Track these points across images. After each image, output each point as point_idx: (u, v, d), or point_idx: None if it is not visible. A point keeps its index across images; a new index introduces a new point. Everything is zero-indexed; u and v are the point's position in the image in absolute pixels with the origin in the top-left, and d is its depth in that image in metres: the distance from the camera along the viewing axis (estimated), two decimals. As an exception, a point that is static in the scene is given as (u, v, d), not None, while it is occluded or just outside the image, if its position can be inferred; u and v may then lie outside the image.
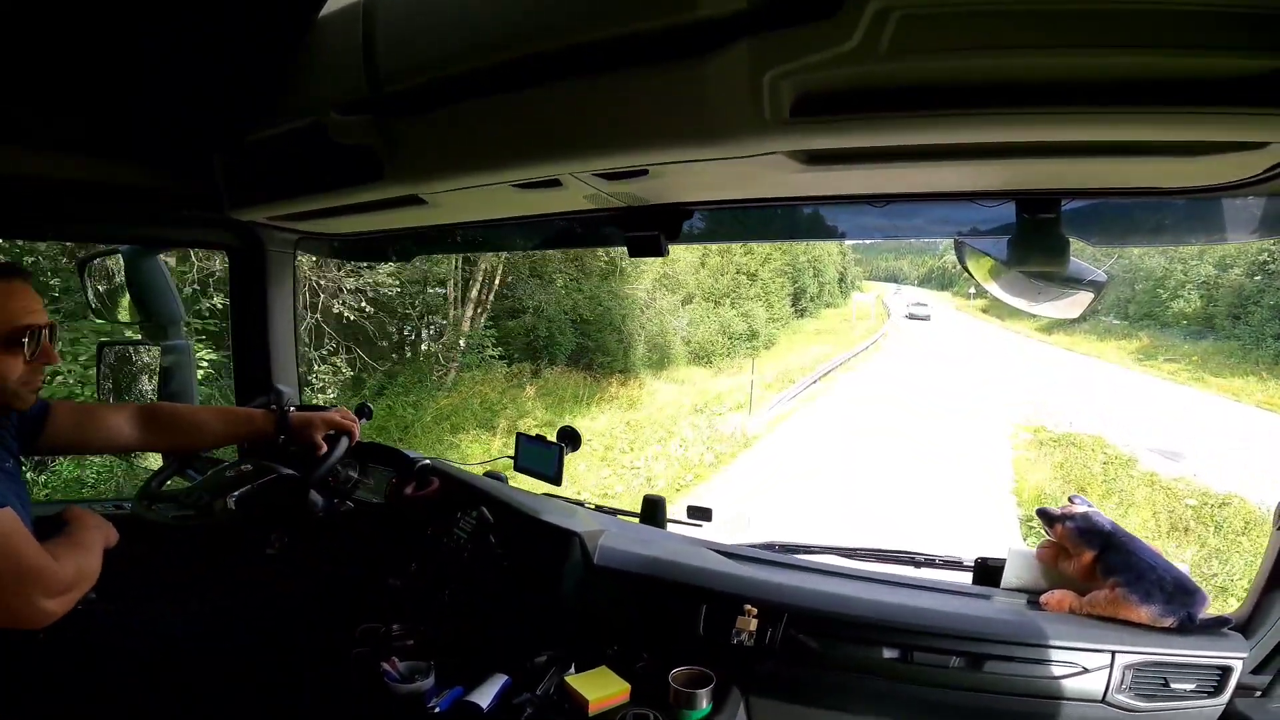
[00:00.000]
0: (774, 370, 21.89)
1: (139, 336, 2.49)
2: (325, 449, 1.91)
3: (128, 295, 2.42)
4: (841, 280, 48.31)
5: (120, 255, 2.40)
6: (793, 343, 29.36)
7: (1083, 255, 1.44)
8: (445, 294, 15.25)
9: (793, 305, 34.12)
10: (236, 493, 1.86)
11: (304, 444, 1.92)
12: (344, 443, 1.92)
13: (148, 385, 2.46)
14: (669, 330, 22.30)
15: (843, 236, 1.93)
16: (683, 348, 23.14)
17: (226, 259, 2.55)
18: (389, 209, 1.75)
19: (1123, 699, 1.40)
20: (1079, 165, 1.22)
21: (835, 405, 17.77)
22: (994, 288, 1.53)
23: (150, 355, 2.43)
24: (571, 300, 18.46)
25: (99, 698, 1.76)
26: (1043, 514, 1.66)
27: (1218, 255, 25.55)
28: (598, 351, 18.91)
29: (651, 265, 20.29)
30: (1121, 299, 30.54)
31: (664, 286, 22.04)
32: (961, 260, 1.58)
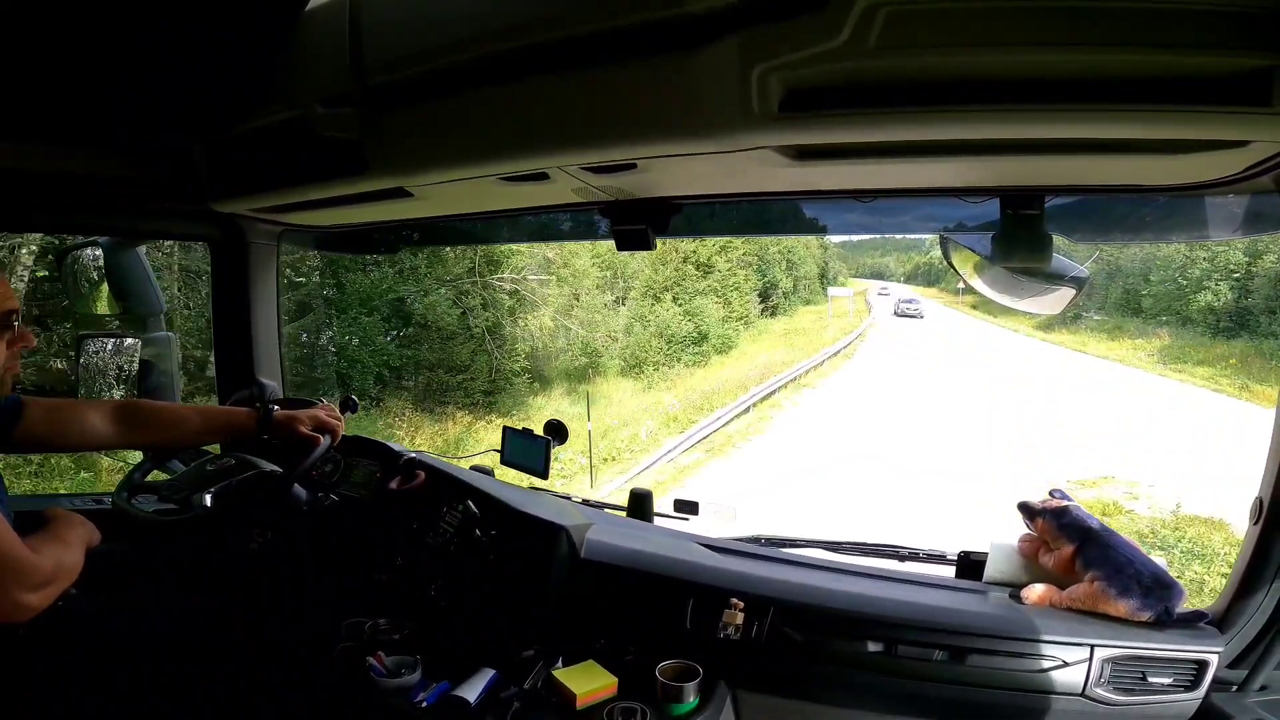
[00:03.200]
0: (706, 387, 17.52)
1: (119, 329, 2.46)
2: (315, 444, 1.88)
3: (107, 287, 2.39)
4: (823, 276, 43.78)
5: (100, 247, 2.37)
6: (755, 346, 24.55)
7: (1075, 253, 1.45)
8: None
9: (761, 302, 30.10)
10: (212, 489, 1.84)
11: (289, 441, 1.90)
12: (325, 442, 1.89)
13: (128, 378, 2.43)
14: (586, 333, 18.46)
15: (830, 232, 1.94)
16: (617, 355, 19.57)
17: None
18: (374, 201, 1.74)
19: (1102, 692, 1.42)
20: (1063, 162, 1.24)
21: (763, 457, 12.34)
22: (978, 283, 1.55)
23: (131, 348, 2.40)
24: (393, 296, 13.64)
25: (80, 694, 1.75)
26: (1023, 507, 1.67)
27: (1247, 241, 21.11)
28: (440, 368, 14.22)
29: (534, 251, 16.44)
30: (1133, 292, 27.41)
31: (553, 275, 17.96)
32: (946, 255, 1.59)
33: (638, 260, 21.37)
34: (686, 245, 22.58)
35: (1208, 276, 23.84)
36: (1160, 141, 1.08)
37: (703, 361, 21.61)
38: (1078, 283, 1.46)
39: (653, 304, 21.91)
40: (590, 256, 20.31)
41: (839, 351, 24.82)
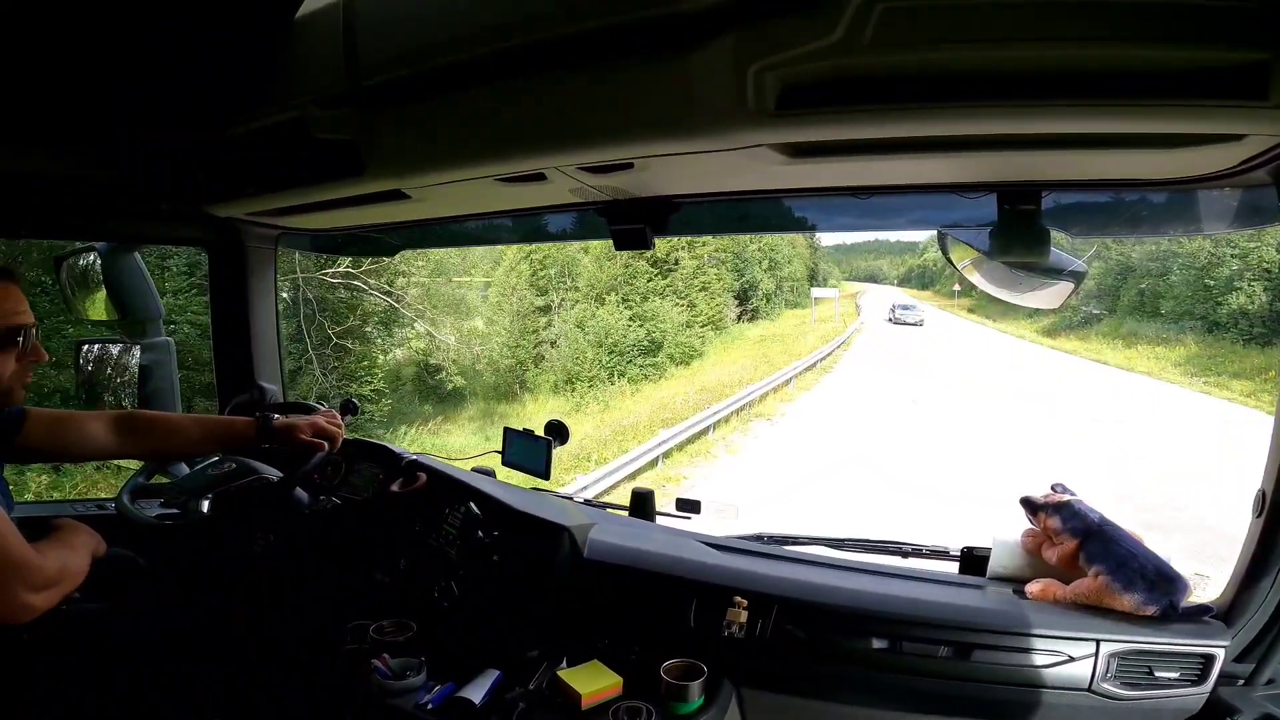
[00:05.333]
0: (627, 420, 13.85)
1: (117, 335, 2.46)
2: (316, 452, 1.88)
3: (105, 292, 2.38)
4: (812, 277, 40.64)
5: (97, 252, 2.36)
6: (725, 355, 20.58)
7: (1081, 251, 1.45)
8: None
9: (739, 304, 27.00)
10: (209, 495, 1.84)
11: (290, 449, 1.90)
12: (323, 452, 1.88)
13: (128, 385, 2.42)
14: (459, 346, 15.02)
15: (827, 229, 1.95)
16: (551, 369, 16.67)
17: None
18: (371, 203, 1.74)
19: (1108, 687, 1.41)
20: (1060, 157, 1.24)
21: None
22: (977, 278, 1.55)
23: (130, 354, 2.40)
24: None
25: (82, 697, 1.75)
26: (1026, 502, 1.67)
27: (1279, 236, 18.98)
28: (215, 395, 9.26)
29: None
30: (1149, 293, 24.18)
31: (408, 273, 14.65)
32: (945, 251, 1.59)
33: (590, 254, 18.22)
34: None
35: (1239, 276, 20.86)
36: (1156, 136, 1.08)
37: (656, 375, 18.17)
38: (1076, 277, 1.46)
39: (595, 306, 18.57)
40: (516, 251, 17.22)
41: (814, 365, 19.87)
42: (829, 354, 21.66)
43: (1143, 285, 24.38)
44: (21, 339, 1.49)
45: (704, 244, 22.76)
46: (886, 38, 0.93)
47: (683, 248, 21.60)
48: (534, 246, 18.47)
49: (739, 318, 27.37)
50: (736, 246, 26.30)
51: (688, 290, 21.98)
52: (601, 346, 17.70)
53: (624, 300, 19.14)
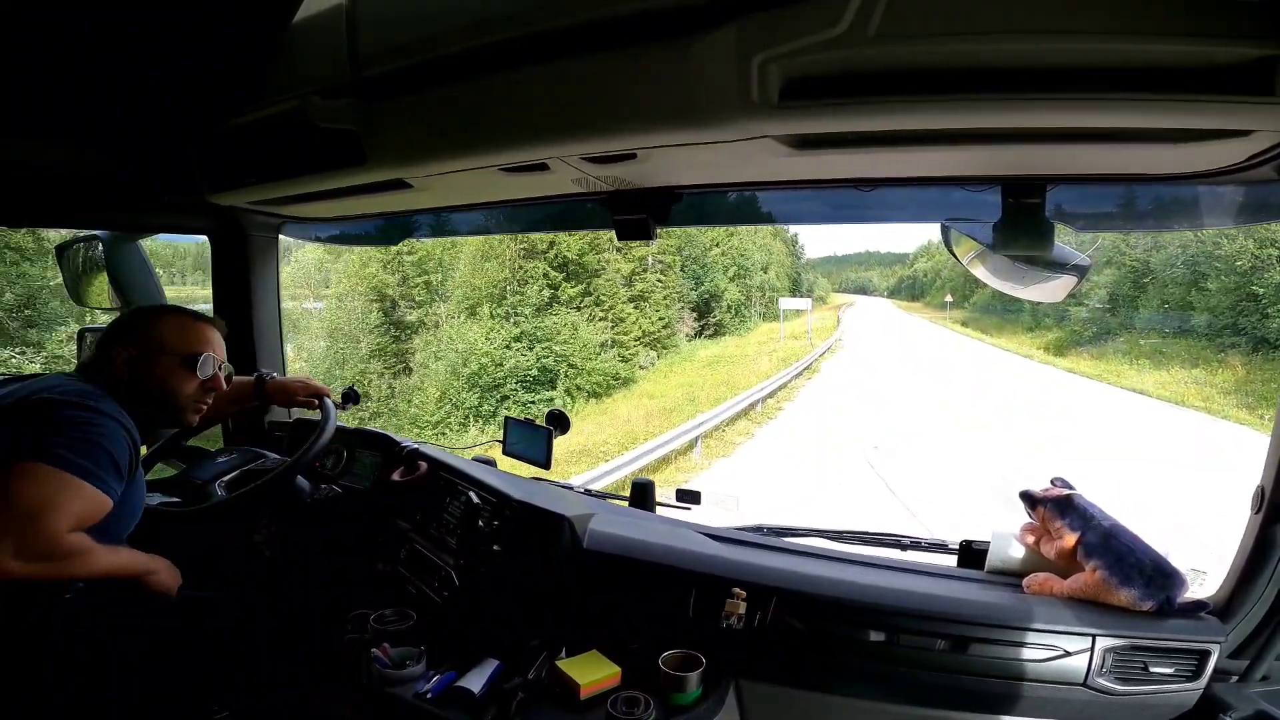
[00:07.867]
0: None
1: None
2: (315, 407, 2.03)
3: (107, 280, 2.39)
4: (795, 288, 35.63)
5: (100, 241, 2.37)
6: (661, 384, 15.64)
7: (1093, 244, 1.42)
8: None
9: (699, 318, 22.67)
10: (225, 478, 1.86)
11: (285, 407, 2.08)
12: (330, 405, 2.00)
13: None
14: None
15: (831, 221, 1.94)
16: (400, 409, 12.89)
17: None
18: (373, 193, 1.74)
19: (1103, 682, 1.42)
20: (1065, 151, 1.23)
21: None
22: (980, 271, 1.55)
23: None
24: None
25: (85, 686, 1.76)
26: (1025, 496, 1.67)
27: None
28: None
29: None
30: (1174, 302, 20.34)
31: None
32: (948, 243, 1.59)
33: (466, 253, 13.52)
34: (543, 235, 13.43)
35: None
36: (1163, 130, 1.08)
37: (575, 403, 13.75)
38: (1080, 270, 1.45)
39: (468, 320, 13.91)
40: (363, 254, 12.72)
41: (752, 406, 13.85)
42: (780, 387, 15.88)
43: (1189, 299, 20.16)
44: (201, 362, 1.66)
45: (645, 243, 18.17)
46: (892, 30, 0.92)
47: (618, 248, 16.88)
48: (400, 248, 15.25)
49: (698, 333, 22.97)
50: (695, 250, 22.34)
51: (612, 300, 16.93)
52: (459, 378, 13.11)
53: (510, 313, 14.26)
